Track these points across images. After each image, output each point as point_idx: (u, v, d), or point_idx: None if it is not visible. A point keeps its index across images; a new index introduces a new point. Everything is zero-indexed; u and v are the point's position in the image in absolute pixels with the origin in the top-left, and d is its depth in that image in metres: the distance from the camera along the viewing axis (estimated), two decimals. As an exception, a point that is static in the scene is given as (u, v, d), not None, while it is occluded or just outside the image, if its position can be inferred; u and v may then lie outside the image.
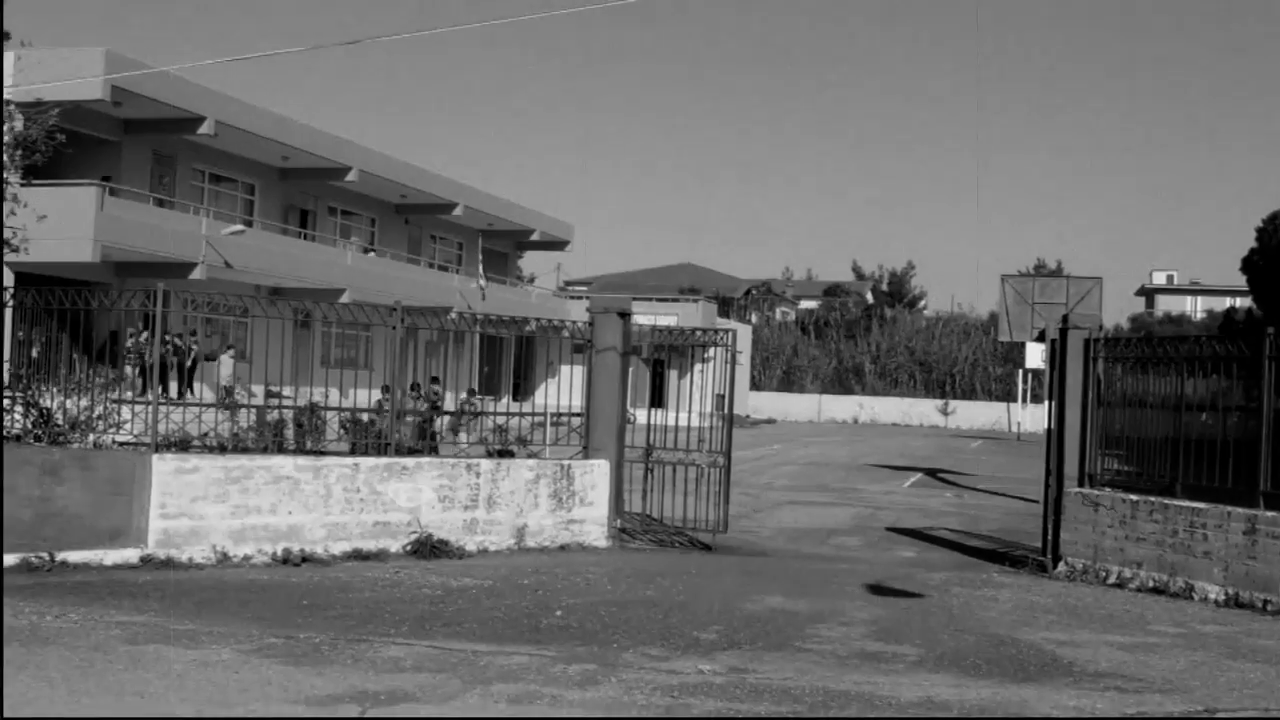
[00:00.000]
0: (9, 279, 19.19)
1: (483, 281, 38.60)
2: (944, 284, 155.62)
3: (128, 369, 18.73)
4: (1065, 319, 14.77)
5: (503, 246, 51.28)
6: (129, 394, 14.53)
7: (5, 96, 14.40)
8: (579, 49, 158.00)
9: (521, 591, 11.43)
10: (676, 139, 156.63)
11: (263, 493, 12.71)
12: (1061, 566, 13.81)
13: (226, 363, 26.37)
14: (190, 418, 13.49)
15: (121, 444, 12.88)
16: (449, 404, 24.01)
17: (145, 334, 23.32)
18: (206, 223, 30.42)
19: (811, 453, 36.48)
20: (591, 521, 14.65)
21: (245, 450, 13.31)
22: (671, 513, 15.18)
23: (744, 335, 54.71)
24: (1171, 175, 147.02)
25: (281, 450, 13.57)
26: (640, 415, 15.75)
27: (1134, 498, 13.12)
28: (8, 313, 13.81)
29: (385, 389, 22.95)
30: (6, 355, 13.72)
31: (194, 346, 27.33)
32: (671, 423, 15.78)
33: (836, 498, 22.70)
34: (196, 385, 26.39)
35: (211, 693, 7.49)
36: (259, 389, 16.59)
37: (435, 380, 24.16)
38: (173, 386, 25.04)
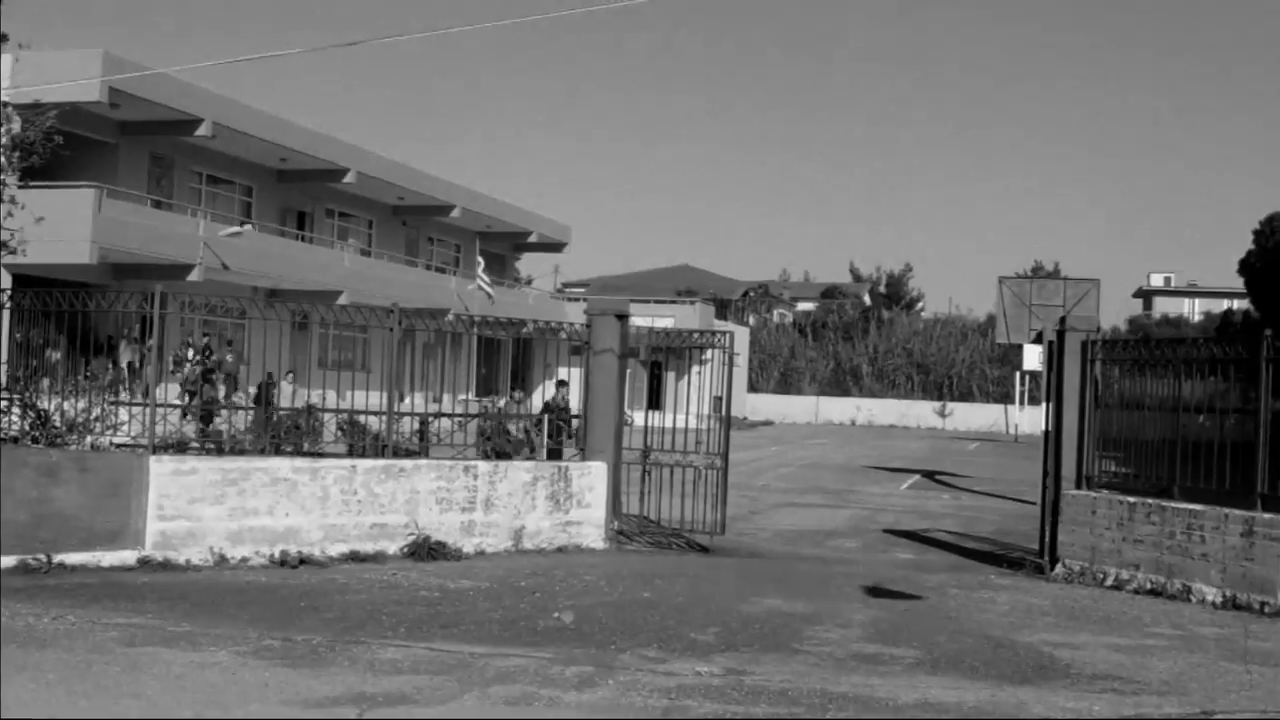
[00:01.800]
0: (6, 281, 19.22)
1: (488, 291, 38.45)
2: (942, 286, 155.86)
3: (176, 383, 18.69)
4: (1063, 321, 14.76)
5: (500, 248, 51.30)
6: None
7: (3, 99, 14.40)
8: (576, 51, 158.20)
9: (519, 593, 11.43)
10: (674, 140, 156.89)
11: (260, 494, 12.71)
12: (1059, 568, 13.82)
13: (285, 389, 26.36)
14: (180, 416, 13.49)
15: (119, 446, 12.88)
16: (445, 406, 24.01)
17: (194, 357, 23.32)
18: (204, 224, 30.44)
19: (809, 454, 36.47)
20: (589, 523, 14.64)
21: (243, 452, 13.31)
22: (669, 515, 15.17)
23: (741, 337, 54.72)
24: (1169, 177, 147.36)
25: (279, 452, 13.57)
26: (638, 417, 15.74)
27: (1131, 500, 13.12)
28: (5, 314, 13.80)
29: (513, 392, 23.12)
30: (4, 357, 13.73)
31: (229, 359, 27.18)
32: (669, 424, 15.78)
33: (834, 500, 22.71)
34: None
35: (209, 695, 7.49)
36: (254, 390, 16.58)
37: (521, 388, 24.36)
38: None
